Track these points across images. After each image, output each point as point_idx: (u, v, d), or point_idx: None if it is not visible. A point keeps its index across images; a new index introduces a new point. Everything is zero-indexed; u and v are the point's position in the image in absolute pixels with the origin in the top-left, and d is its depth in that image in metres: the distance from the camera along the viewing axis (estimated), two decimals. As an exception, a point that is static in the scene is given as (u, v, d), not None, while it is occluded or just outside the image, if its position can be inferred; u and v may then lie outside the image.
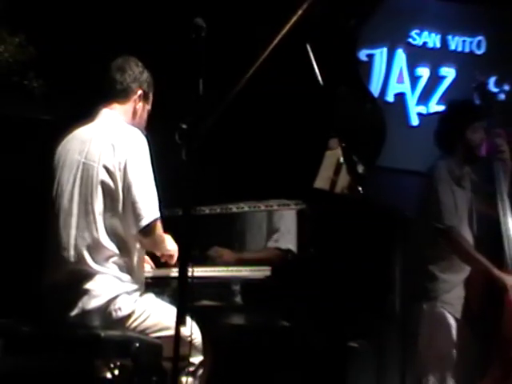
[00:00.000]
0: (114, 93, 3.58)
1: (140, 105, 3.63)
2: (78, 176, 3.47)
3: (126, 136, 3.49)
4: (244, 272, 3.57)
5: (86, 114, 3.61)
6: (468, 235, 4.56)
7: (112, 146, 3.45)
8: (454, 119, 4.66)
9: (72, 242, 3.42)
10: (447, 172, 4.54)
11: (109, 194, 3.42)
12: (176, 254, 3.55)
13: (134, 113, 3.61)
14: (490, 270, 4.41)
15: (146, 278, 3.61)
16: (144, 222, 3.40)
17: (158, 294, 3.60)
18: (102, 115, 3.59)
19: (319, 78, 3.86)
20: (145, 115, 3.66)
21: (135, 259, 3.49)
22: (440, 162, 4.59)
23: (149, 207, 3.41)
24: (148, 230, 3.42)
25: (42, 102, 4.57)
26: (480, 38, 5.97)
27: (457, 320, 4.45)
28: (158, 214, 3.43)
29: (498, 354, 4.37)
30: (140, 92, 3.61)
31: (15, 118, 4.63)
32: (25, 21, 4.62)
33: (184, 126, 3.06)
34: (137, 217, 3.40)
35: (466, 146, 4.62)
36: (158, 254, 3.62)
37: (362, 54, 5.68)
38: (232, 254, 3.71)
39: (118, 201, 3.42)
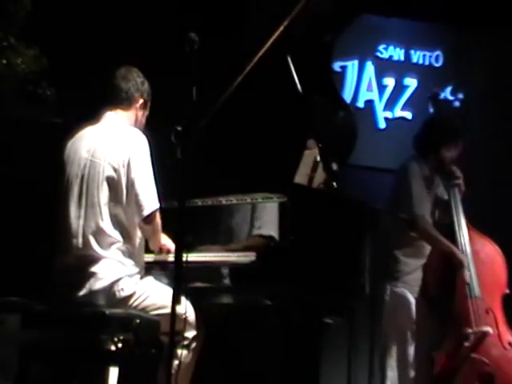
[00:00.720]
0: (119, 100, 3.53)
1: (141, 112, 3.59)
2: (86, 172, 3.43)
3: (128, 136, 3.46)
4: (232, 257, 3.53)
5: (91, 117, 3.57)
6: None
7: (116, 145, 3.42)
8: (432, 135, 4.61)
9: (80, 230, 3.39)
10: (419, 171, 4.52)
11: (113, 187, 3.39)
12: (173, 248, 3.51)
13: (136, 119, 3.58)
14: (452, 249, 4.42)
15: (146, 262, 3.57)
16: (146, 212, 3.38)
17: (157, 276, 3.57)
18: (106, 118, 3.54)
19: (299, 86, 3.83)
20: (144, 121, 3.63)
21: (136, 246, 3.46)
22: (413, 162, 4.57)
23: (150, 199, 3.39)
24: (150, 219, 3.41)
25: (53, 107, 4.53)
26: (438, 52, 5.97)
27: (416, 299, 4.45)
28: (158, 205, 3.42)
29: (451, 328, 4.38)
30: (141, 101, 3.57)
31: (30, 121, 4.60)
32: (39, 35, 4.58)
33: (179, 128, 3.05)
34: (139, 207, 3.38)
35: (439, 160, 4.59)
36: (155, 246, 3.59)
37: (336, 66, 5.65)
38: (220, 247, 3.66)
39: (122, 194, 3.39)
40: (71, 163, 3.49)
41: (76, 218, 3.41)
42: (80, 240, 3.38)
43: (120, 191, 3.39)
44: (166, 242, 3.58)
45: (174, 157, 3.06)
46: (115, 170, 3.39)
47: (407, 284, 4.46)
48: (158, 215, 3.44)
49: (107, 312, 3.25)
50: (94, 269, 3.35)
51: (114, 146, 3.42)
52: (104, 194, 3.39)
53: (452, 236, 4.50)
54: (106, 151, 3.42)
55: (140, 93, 3.56)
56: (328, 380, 3.99)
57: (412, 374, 4.40)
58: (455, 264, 4.39)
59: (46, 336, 3.31)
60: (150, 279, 3.50)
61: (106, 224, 3.38)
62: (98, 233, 3.37)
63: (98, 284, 3.35)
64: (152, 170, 3.43)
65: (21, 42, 4.46)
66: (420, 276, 4.47)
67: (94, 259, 3.36)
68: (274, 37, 3.81)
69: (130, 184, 3.38)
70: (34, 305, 3.37)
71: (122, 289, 3.36)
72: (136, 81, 3.55)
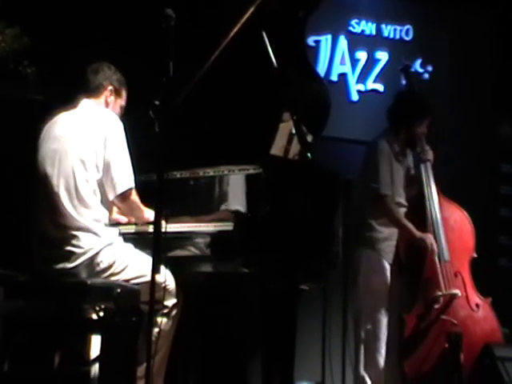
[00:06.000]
0: (90, 90, 3.56)
1: (112, 98, 3.59)
2: (63, 151, 3.40)
3: (104, 118, 3.46)
4: (210, 227, 3.48)
5: (70, 95, 3.57)
6: (402, 199, 4.52)
7: (93, 126, 3.41)
8: (405, 112, 4.56)
9: (60, 205, 3.35)
10: (389, 147, 4.48)
11: (91, 167, 3.38)
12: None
13: (107, 104, 3.57)
14: (414, 233, 4.40)
15: (127, 232, 3.54)
16: (120, 190, 3.38)
17: (137, 245, 3.51)
18: (82, 103, 3.55)
19: (273, 60, 3.76)
20: (117, 109, 3.62)
21: (110, 218, 3.45)
22: (383, 139, 4.52)
23: (125, 177, 3.39)
24: (123, 197, 3.41)
25: (34, 85, 4.45)
26: (408, 26, 5.91)
27: (390, 265, 4.44)
28: (132, 184, 3.41)
29: (421, 293, 4.37)
30: (110, 87, 3.58)
31: (12, 98, 4.52)
32: (20, 15, 4.48)
33: (157, 103, 3.01)
34: (114, 185, 3.38)
35: (411, 135, 4.56)
36: (140, 222, 3.55)
37: (310, 40, 5.58)
38: (190, 219, 3.60)
39: (99, 172, 3.38)
40: (47, 144, 3.46)
41: (55, 193, 3.36)
42: (59, 213, 3.34)
43: (97, 170, 3.38)
44: (150, 215, 3.50)
45: (152, 130, 3.01)
46: (92, 151, 3.38)
47: (382, 251, 4.45)
48: (133, 194, 3.44)
49: (88, 282, 3.22)
50: (74, 241, 3.32)
51: (90, 127, 3.42)
52: (82, 172, 3.37)
53: (422, 203, 4.48)
54: (83, 132, 3.41)
55: (109, 80, 3.58)
56: (304, 344, 3.97)
57: (385, 335, 4.40)
58: (420, 246, 4.37)
59: (30, 306, 3.29)
60: (129, 247, 3.47)
61: (85, 199, 3.35)
62: (78, 207, 3.34)
63: (79, 256, 3.31)
64: (128, 150, 3.42)
65: (1, 21, 4.36)
66: (394, 243, 4.46)
67: (74, 233, 3.32)
68: (249, 12, 3.74)
69: (106, 163, 3.38)
70: (17, 276, 3.34)
71: (103, 259, 3.33)
72: (105, 71, 3.59)
